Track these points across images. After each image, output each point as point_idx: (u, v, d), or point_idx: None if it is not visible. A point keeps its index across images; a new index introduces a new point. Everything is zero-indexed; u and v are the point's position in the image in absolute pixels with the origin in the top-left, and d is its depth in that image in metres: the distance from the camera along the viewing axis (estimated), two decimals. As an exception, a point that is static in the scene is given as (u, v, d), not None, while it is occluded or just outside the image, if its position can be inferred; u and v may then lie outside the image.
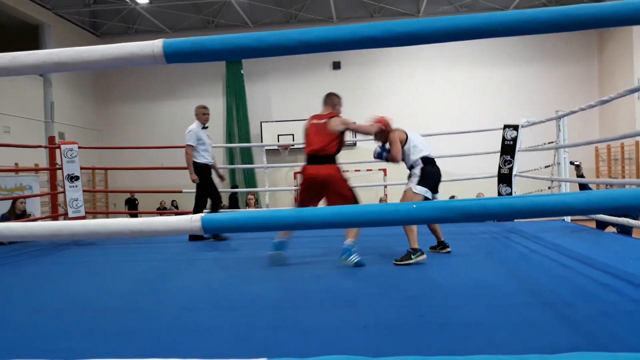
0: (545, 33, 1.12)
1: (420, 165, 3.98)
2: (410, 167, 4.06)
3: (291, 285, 3.24)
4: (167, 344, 2.14)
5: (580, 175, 6.79)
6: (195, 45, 1.21)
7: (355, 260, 3.62)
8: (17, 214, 6.86)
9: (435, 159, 4.10)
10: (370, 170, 14.18)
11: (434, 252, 4.14)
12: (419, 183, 3.92)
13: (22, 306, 2.95)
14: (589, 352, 1.13)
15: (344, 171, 3.96)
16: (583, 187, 5.83)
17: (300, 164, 3.94)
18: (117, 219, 1.33)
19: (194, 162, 5.47)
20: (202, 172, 5.50)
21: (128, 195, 15.04)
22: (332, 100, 4.06)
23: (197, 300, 2.91)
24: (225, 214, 1.29)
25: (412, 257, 3.68)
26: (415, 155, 4.01)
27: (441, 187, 4.10)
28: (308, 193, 3.90)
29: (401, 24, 1.16)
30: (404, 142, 4.03)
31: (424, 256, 3.72)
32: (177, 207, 15.12)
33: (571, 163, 5.84)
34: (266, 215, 1.30)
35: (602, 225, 5.47)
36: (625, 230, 5.30)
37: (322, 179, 3.83)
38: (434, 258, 3.99)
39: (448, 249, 4.13)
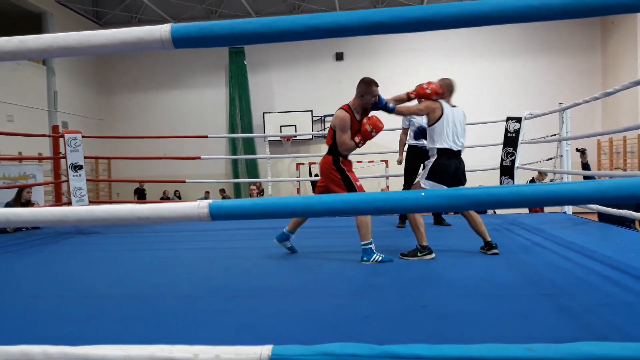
0: (557, 19, 1.11)
1: (435, 156, 3.70)
2: (427, 154, 3.82)
3: (294, 274, 3.25)
4: (170, 331, 2.15)
5: (585, 164, 6.75)
6: (203, 30, 1.20)
7: (379, 259, 3.46)
8: (22, 202, 6.86)
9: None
10: (372, 161, 14.17)
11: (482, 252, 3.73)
12: (428, 177, 3.70)
13: (24, 293, 2.96)
14: (596, 342, 1.13)
15: (342, 166, 3.66)
16: (586, 168, 5.81)
17: (301, 155, 3.88)
18: (124, 205, 1.33)
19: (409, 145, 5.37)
20: (410, 153, 5.38)
21: (134, 185, 15.12)
22: (356, 89, 3.70)
23: (201, 288, 2.92)
24: (233, 201, 1.29)
25: (419, 254, 3.58)
26: (433, 143, 3.70)
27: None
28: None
29: (411, 9, 1.15)
30: (434, 119, 3.67)
31: (432, 255, 3.58)
32: (179, 197, 15.15)
33: (577, 150, 5.83)
34: (273, 202, 1.29)
35: (604, 218, 5.46)
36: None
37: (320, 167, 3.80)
38: (436, 249, 3.99)
39: (495, 250, 3.65)
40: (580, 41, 14.77)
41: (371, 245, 3.50)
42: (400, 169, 5.50)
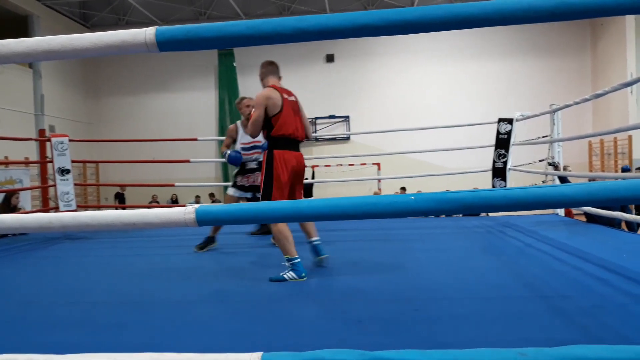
0: (544, 22, 1.11)
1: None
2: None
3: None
4: (160, 338, 2.12)
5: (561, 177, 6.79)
6: (188, 33, 1.18)
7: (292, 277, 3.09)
8: (10, 208, 6.79)
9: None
10: (364, 164, 14.19)
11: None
12: None
13: (12, 299, 2.91)
14: (588, 345, 1.12)
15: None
16: (564, 181, 5.79)
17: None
18: (109, 211, 1.31)
19: None
20: None
21: (119, 189, 15.01)
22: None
23: (191, 294, 2.89)
24: (220, 206, 1.27)
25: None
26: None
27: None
28: (292, 183, 3.36)
29: (399, 12, 1.14)
30: None
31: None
32: (177, 202, 15.01)
33: (549, 164, 5.83)
34: (260, 207, 1.28)
35: (592, 219, 5.48)
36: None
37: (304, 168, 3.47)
38: (430, 252, 3.99)
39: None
40: (570, 43, 14.90)
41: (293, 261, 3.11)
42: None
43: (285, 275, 3.06)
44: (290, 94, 3.35)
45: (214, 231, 4.31)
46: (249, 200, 4.54)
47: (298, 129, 3.31)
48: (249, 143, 4.40)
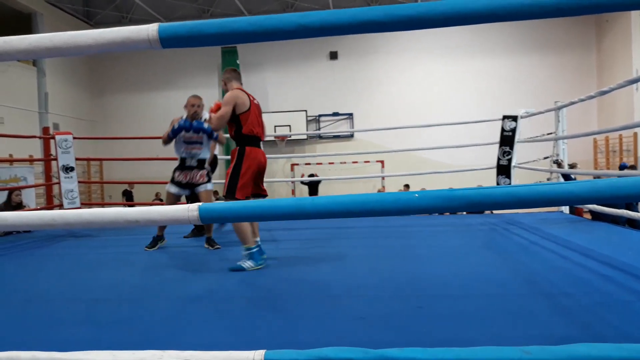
0: (550, 17, 1.10)
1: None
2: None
3: (287, 277, 3.23)
4: (162, 335, 2.12)
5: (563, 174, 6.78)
6: (191, 29, 1.18)
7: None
8: (12, 206, 6.80)
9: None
10: (368, 162, 14.17)
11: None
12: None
13: (16, 297, 2.92)
14: (592, 344, 1.11)
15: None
16: (567, 179, 5.76)
17: (296, 155, 3.73)
18: (112, 208, 1.31)
19: None
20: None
21: (123, 187, 15.01)
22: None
23: (193, 292, 2.89)
24: (223, 203, 1.26)
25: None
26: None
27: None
28: (256, 178, 3.60)
29: (403, 7, 1.13)
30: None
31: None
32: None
33: (554, 162, 5.80)
34: (263, 204, 1.27)
35: (597, 216, 5.46)
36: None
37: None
38: (433, 250, 3.98)
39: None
40: (575, 39, 14.82)
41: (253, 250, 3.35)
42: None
43: (243, 265, 3.27)
44: (254, 98, 3.63)
45: (161, 230, 4.49)
46: (187, 198, 4.55)
47: (262, 128, 3.65)
48: (191, 138, 4.38)
